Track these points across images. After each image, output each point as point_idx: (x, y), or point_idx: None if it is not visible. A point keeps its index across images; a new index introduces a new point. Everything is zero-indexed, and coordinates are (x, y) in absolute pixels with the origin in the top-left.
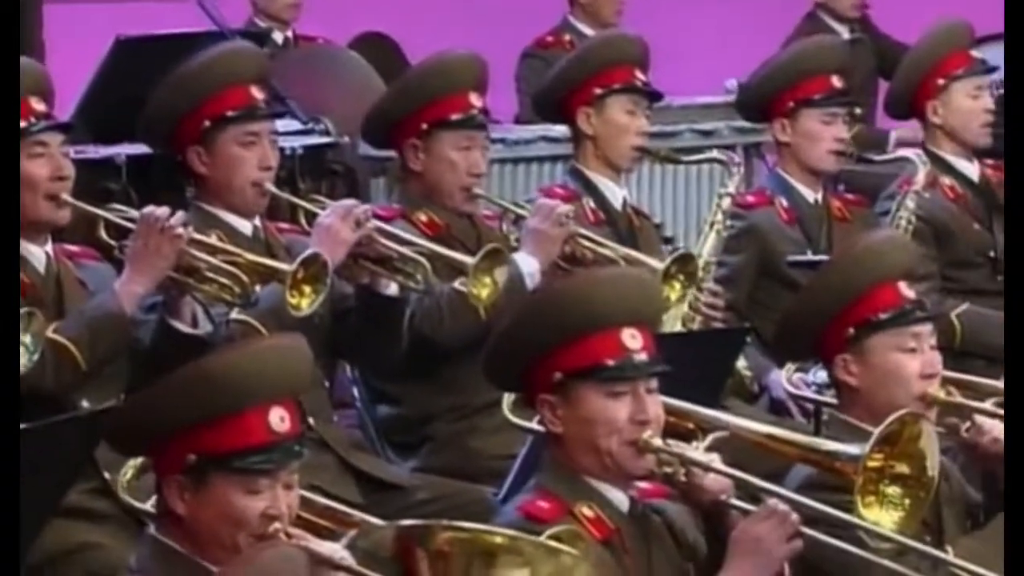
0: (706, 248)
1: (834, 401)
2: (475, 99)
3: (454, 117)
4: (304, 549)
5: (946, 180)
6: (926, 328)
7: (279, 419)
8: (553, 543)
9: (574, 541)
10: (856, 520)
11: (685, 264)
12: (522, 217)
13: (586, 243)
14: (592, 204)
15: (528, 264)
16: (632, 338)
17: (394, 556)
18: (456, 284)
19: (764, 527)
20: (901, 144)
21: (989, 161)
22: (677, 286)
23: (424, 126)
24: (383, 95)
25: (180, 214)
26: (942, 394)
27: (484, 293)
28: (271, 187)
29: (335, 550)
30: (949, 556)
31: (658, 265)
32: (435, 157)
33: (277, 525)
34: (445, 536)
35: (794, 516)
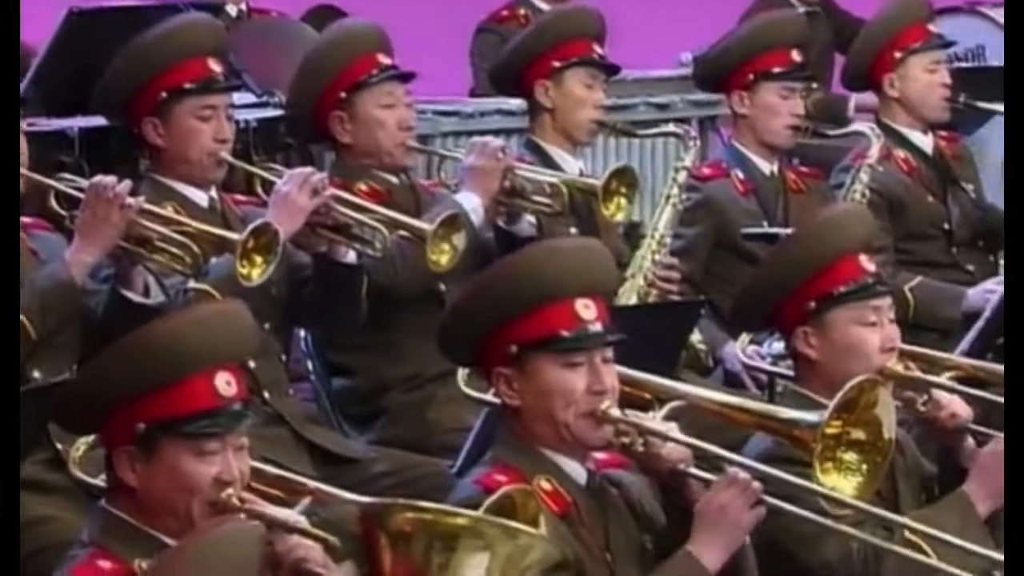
0: (662, 221)
1: (789, 372)
2: (383, 58)
3: (366, 77)
4: (259, 515)
5: (900, 153)
6: (886, 302)
7: (225, 383)
8: (513, 524)
9: (527, 499)
10: (815, 487)
11: (624, 177)
12: (451, 159)
13: (524, 173)
14: None
15: (470, 200)
16: (586, 308)
17: (356, 534)
18: (401, 233)
19: (727, 496)
20: (860, 110)
21: (943, 133)
22: (622, 201)
23: (343, 95)
24: (292, 84)
25: (127, 183)
26: (900, 368)
27: (443, 259)
28: (227, 156)
29: (290, 515)
30: (907, 520)
31: (596, 182)
32: (361, 122)
33: (230, 490)
34: (406, 517)
35: (756, 484)
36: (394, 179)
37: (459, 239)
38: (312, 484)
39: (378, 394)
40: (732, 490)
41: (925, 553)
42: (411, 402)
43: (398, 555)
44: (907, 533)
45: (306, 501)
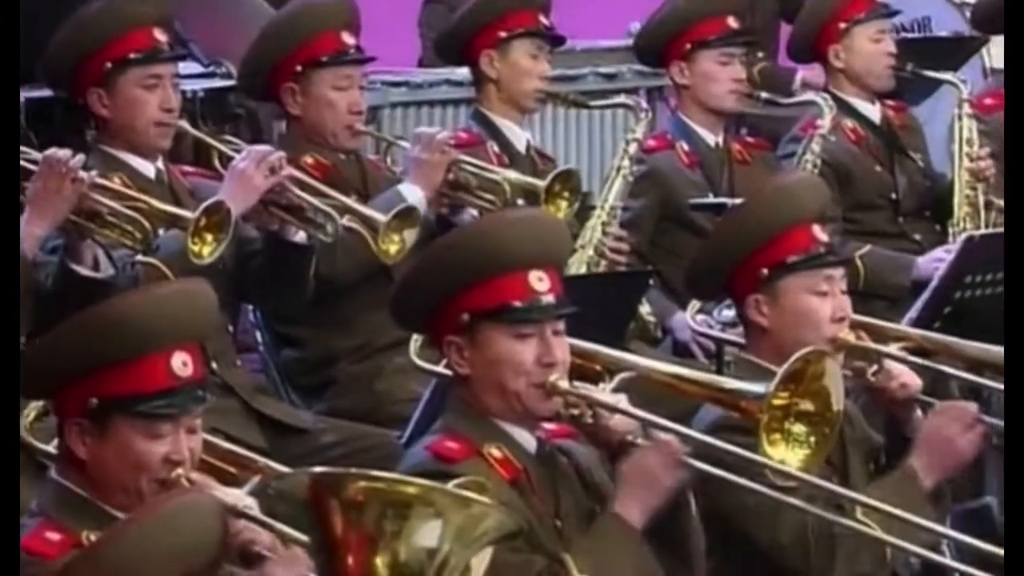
0: (612, 193)
1: (739, 340)
2: (347, 37)
3: (326, 57)
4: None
5: (848, 123)
6: (838, 272)
7: (182, 363)
8: (466, 493)
9: (480, 492)
10: (762, 459)
11: (567, 181)
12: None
13: (468, 168)
14: (496, 147)
15: (413, 192)
16: (539, 280)
17: (307, 503)
18: (344, 221)
19: (650, 458)
20: (806, 84)
21: (891, 103)
22: (563, 204)
23: (298, 68)
24: (252, 45)
25: (80, 157)
26: (852, 338)
27: (392, 250)
28: (179, 122)
29: (239, 497)
30: (856, 494)
31: (540, 183)
32: (313, 99)
33: (179, 470)
34: (358, 486)
35: (678, 447)
36: (341, 155)
37: (410, 234)
38: (262, 461)
39: (327, 365)
40: (655, 452)
41: (870, 527)
42: (360, 373)
43: (350, 524)
44: (859, 511)
45: (255, 480)
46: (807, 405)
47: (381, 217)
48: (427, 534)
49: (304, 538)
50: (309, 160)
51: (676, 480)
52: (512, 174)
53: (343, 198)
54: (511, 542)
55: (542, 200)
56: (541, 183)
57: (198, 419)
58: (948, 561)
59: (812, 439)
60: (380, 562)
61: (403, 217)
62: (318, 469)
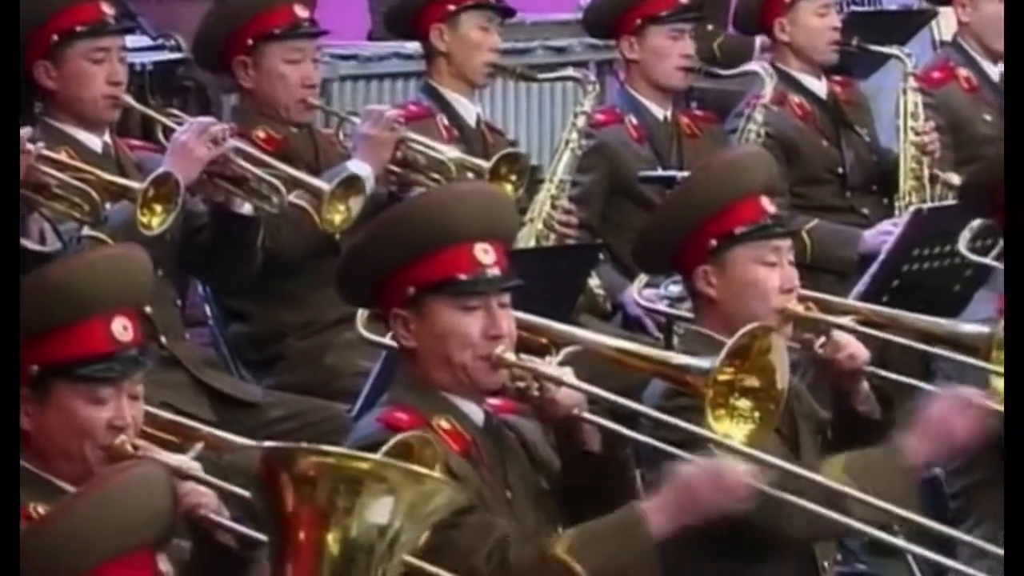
0: (561, 166)
1: (688, 315)
2: (300, 10)
3: (279, 30)
4: (152, 461)
5: (795, 98)
6: (785, 243)
7: (122, 328)
8: (418, 468)
9: (424, 447)
10: (707, 433)
11: (514, 163)
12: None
13: (417, 147)
14: (446, 121)
15: (361, 169)
16: (485, 253)
17: (258, 478)
18: (291, 197)
19: (706, 482)
20: (766, 49)
21: (837, 78)
22: (508, 187)
23: (250, 42)
24: (205, 17)
25: (28, 130)
26: (800, 309)
27: (337, 219)
28: (128, 98)
29: (183, 461)
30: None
31: (485, 164)
32: (265, 72)
33: (123, 436)
34: (310, 461)
35: (745, 479)
36: (293, 128)
37: (355, 202)
38: (205, 429)
39: (275, 340)
40: (712, 477)
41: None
42: (309, 348)
43: (302, 499)
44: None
45: (199, 447)
46: (752, 381)
47: (325, 186)
48: (379, 510)
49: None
50: (261, 134)
51: (723, 508)
52: (457, 154)
53: (287, 168)
54: (463, 517)
55: (486, 181)
56: (486, 164)
57: (139, 386)
58: (899, 542)
59: (757, 414)
60: (331, 538)
61: (347, 186)
62: (270, 444)
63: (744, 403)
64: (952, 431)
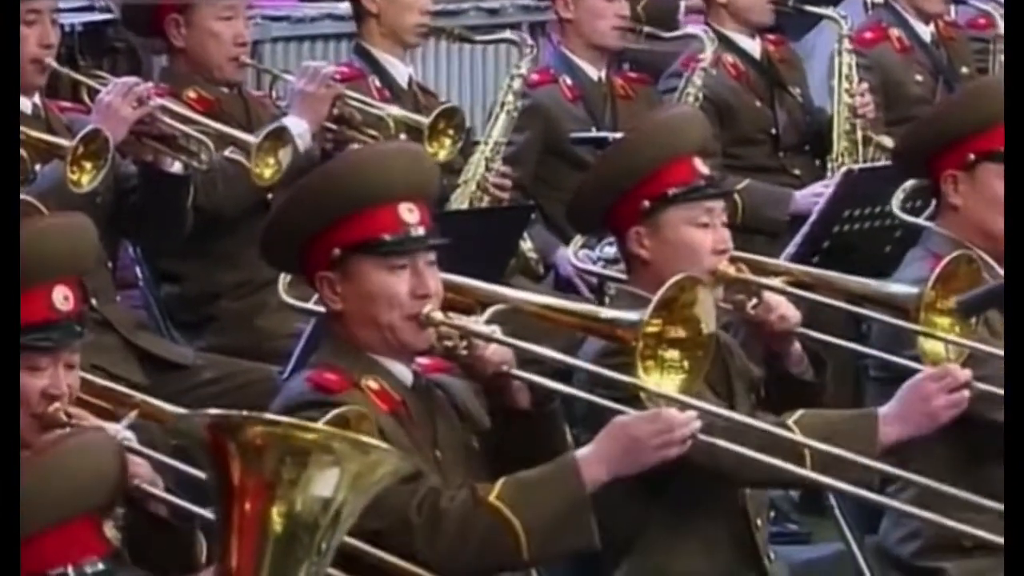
0: (496, 129)
1: (621, 276)
2: None
3: None
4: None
5: (729, 58)
6: (719, 204)
7: (63, 298)
8: (366, 439)
9: (361, 420)
10: (643, 383)
11: (451, 118)
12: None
13: (353, 103)
14: (378, 82)
15: (297, 126)
16: (409, 212)
17: (205, 446)
18: (227, 152)
19: (645, 427)
20: (691, 11)
21: (771, 37)
22: (447, 142)
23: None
24: None
25: None
26: (732, 270)
27: (267, 173)
28: (51, 63)
29: (117, 430)
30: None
31: (424, 120)
32: (197, 31)
33: (57, 405)
34: (257, 430)
35: (689, 424)
36: (224, 88)
37: (284, 154)
38: (139, 396)
39: (208, 301)
40: (651, 423)
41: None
42: (241, 309)
43: (248, 469)
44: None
45: (132, 415)
46: (679, 332)
47: (252, 139)
48: (324, 483)
49: (195, 472)
50: (192, 94)
51: (664, 459)
52: (396, 110)
53: (214, 124)
54: (408, 485)
55: (425, 137)
56: (425, 120)
57: (76, 355)
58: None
59: (686, 363)
60: (276, 511)
61: (275, 138)
62: (215, 411)
63: (673, 353)
64: (929, 404)
